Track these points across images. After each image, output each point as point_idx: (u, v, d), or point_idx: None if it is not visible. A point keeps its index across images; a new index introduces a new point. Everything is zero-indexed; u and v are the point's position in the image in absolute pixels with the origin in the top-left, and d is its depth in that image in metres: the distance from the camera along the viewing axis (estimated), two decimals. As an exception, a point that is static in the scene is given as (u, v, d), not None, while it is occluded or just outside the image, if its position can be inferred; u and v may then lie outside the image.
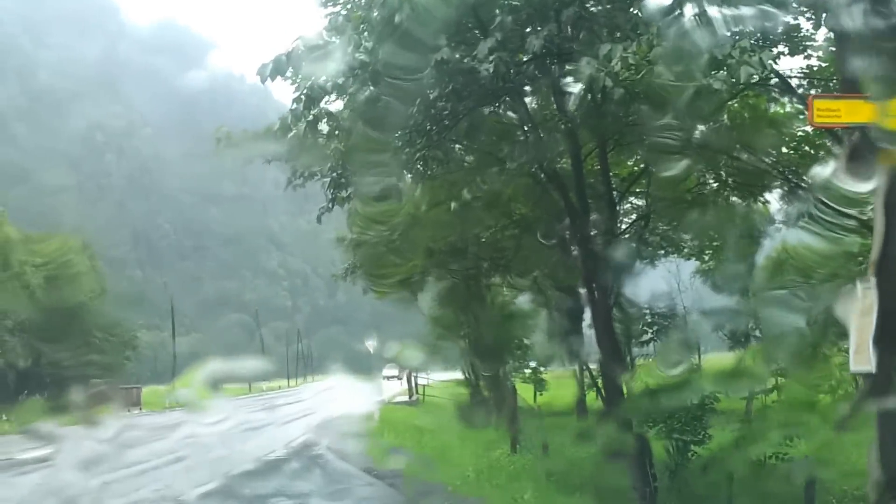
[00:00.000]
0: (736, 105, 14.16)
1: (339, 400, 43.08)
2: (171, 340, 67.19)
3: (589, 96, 11.83)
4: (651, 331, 20.99)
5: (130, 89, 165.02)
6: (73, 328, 47.98)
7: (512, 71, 11.24)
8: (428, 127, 11.56)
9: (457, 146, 14.42)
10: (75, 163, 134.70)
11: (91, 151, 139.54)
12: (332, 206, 13.44)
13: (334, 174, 12.74)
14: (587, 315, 18.09)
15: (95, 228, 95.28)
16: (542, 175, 15.13)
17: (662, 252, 21.28)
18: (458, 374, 37.56)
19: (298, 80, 11.68)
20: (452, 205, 14.29)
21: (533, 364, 27.91)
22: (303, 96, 11.49)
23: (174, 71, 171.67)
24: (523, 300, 23.42)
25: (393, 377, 62.56)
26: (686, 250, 21.56)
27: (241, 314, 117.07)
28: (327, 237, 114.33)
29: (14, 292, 40.33)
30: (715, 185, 17.05)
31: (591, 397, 22.00)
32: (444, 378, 45.00)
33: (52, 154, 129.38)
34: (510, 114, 14.67)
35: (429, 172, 12.85)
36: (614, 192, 16.90)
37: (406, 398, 45.45)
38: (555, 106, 14.38)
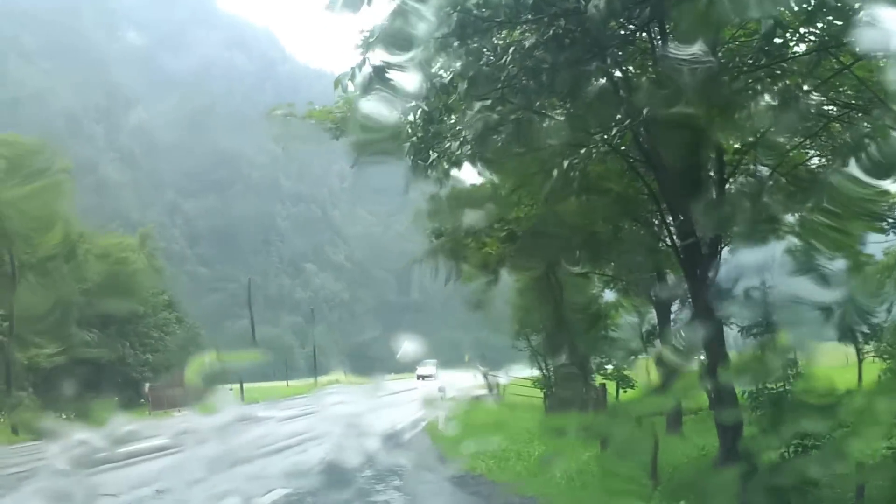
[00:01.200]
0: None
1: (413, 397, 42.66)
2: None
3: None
4: (761, 323, 18.83)
5: (195, 82, 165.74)
6: (134, 325, 47.41)
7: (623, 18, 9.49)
8: (524, 81, 9.74)
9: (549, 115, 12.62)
10: (137, 158, 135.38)
11: (153, 146, 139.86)
12: (414, 175, 11.63)
13: (414, 138, 10.92)
14: (683, 306, 16.37)
15: (157, 225, 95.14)
16: (640, 149, 13.31)
17: (778, 237, 19.12)
18: (531, 371, 35.89)
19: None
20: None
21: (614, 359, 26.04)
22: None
23: (242, 65, 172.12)
24: (609, 290, 21.65)
25: (428, 377, 61.41)
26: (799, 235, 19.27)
27: (304, 310, 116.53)
28: (395, 230, 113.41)
29: (75, 287, 39.51)
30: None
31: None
32: (518, 375, 43.60)
33: (115, 149, 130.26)
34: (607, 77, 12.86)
35: (520, 141, 11.03)
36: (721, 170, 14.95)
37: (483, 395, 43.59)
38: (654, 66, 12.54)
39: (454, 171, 12.37)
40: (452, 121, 10.31)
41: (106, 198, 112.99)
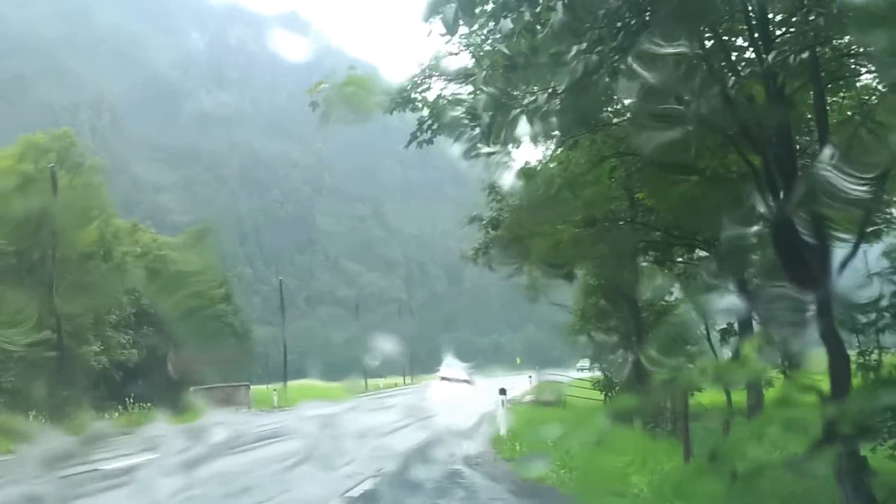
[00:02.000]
0: None
1: (470, 399, 40.49)
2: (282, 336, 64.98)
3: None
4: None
5: (241, 78, 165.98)
6: (183, 325, 46.29)
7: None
8: (627, 18, 7.95)
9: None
10: (186, 155, 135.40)
11: (202, 143, 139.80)
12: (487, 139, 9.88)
13: (493, 88, 9.17)
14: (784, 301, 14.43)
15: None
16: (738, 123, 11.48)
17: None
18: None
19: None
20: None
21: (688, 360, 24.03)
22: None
23: (288, 60, 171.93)
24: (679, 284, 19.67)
25: (457, 380, 52.86)
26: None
27: (349, 308, 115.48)
28: (444, 227, 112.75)
29: (115, 285, 38.37)
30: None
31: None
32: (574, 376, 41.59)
33: (162, 144, 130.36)
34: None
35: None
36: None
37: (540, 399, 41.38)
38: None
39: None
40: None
41: (156, 196, 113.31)
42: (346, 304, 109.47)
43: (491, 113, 8.56)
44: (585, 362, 71.14)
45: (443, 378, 53.80)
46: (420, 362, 77.33)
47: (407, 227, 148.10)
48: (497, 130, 8.61)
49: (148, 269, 43.99)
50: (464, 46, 12.56)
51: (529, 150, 20.41)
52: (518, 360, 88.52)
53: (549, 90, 8.14)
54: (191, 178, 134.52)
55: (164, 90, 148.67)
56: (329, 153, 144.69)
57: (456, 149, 12.31)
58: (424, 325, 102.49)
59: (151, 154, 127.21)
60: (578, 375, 41.38)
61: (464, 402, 38.79)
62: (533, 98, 8.28)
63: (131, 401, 36.12)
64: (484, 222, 19.63)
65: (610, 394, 26.17)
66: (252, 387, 48.10)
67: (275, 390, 47.55)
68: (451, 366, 57.04)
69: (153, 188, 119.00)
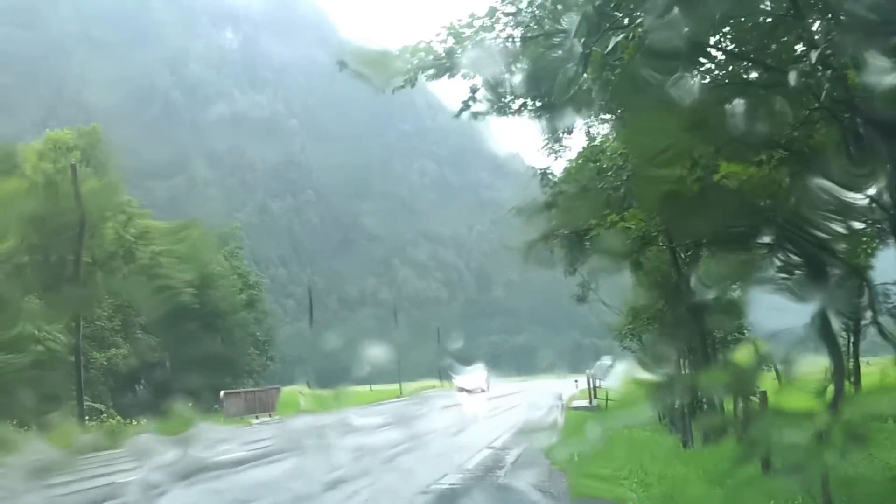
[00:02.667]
0: None
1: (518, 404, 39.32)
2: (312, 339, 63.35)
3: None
4: None
5: (275, 79, 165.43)
6: (211, 327, 44.92)
7: None
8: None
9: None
10: (219, 157, 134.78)
11: (235, 144, 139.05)
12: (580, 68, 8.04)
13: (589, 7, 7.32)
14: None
15: (246, 226, 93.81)
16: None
17: None
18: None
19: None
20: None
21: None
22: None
23: (317, 62, 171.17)
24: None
25: (474, 390, 49.26)
26: None
27: (384, 309, 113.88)
28: (479, 228, 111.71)
29: (142, 286, 36.84)
30: None
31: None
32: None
33: (196, 147, 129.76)
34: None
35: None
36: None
37: (585, 402, 39.26)
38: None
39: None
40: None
41: (195, 197, 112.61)
42: (384, 306, 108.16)
43: (584, 39, 6.83)
44: (607, 359, 68.22)
45: (460, 389, 49.19)
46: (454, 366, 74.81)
47: (442, 229, 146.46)
48: (596, 65, 6.89)
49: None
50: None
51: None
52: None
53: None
54: (224, 178, 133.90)
55: (196, 91, 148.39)
56: (363, 153, 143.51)
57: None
58: (458, 328, 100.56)
59: (186, 155, 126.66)
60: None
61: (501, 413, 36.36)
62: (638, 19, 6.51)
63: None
64: (534, 212, 17.77)
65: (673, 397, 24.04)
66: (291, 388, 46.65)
67: (301, 393, 45.65)
68: (471, 374, 51.81)
69: (187, 189, 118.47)
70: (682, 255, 16.51)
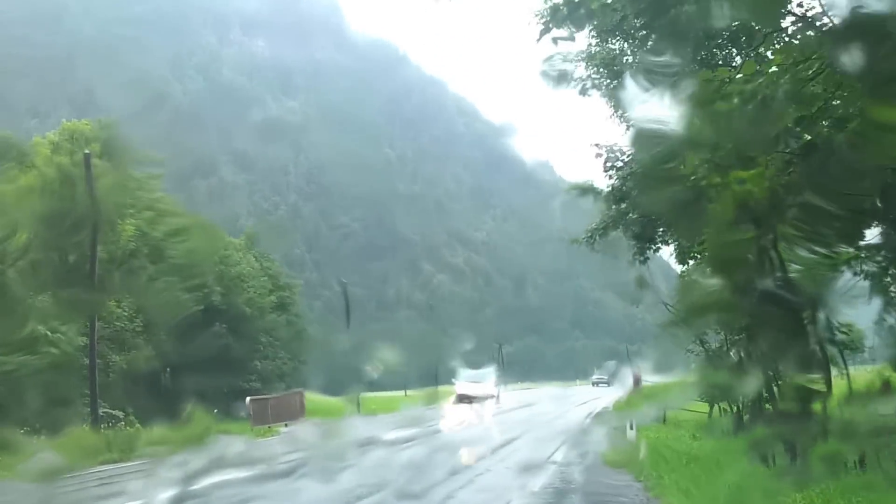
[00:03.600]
0: None
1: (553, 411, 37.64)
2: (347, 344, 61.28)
3: None
4: None
5: (307, 86, 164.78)
6: (239, 330, 43.29)
7: None
8: None
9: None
10: (252, 160, 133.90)
11: (268, 149, 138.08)
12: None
13: None
14: None
15: (270, 228, 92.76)
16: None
17: None
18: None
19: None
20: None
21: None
22: None
23: (348, 67, 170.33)
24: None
25: (479, 398, 41.66)
26: None
27: (417, 313, 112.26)
28: (509, 234, 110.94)
29: (170, 285, 35.02)
30: None
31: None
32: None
33: (229, 150, 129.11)
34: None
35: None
36: None
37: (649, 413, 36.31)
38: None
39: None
40: None
41: (225, 199, 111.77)
42: (417, 309, 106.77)
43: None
44: (604, 373, 64.97)
45: (461, 397, 41.77)
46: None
47: (475, 234, 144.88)
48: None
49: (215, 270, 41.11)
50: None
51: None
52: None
53: None
54: (257, 183, 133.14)
55: (229, 97, 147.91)
56: (397, 159, 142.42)
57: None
58: (492, 333, 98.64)
59: (220, 159, 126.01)
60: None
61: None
62: None
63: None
64: (602, 194, 15.73)
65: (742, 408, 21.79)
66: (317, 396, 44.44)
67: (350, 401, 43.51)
68: (472, 377, 44.24)
69: (223, 194, 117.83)
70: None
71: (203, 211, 70.85)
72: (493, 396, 43.51)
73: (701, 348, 21.21)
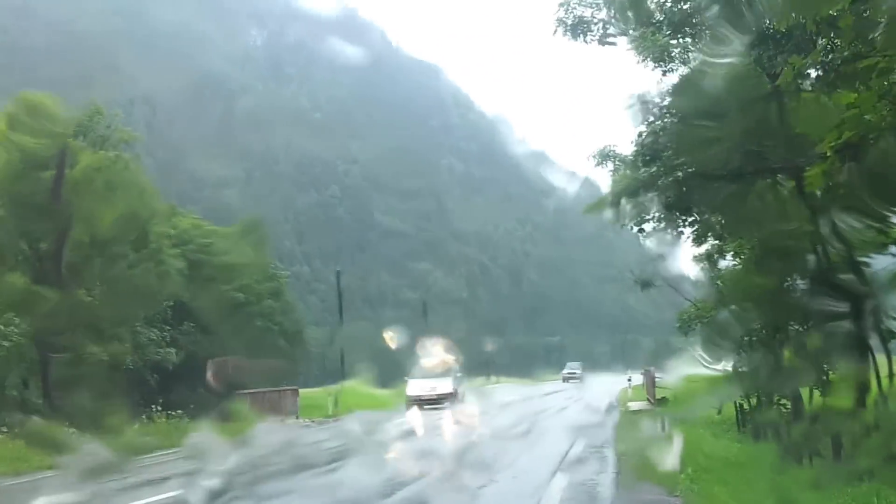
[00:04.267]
0: None
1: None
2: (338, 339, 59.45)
3: None
4: None
5: (299, 75, 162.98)
6: (228, 324, 41.30)
7: None
8: None
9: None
10: (244, 151, 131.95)
11: (259, 139, 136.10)
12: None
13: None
14: None
15: (272, 221, 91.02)
16: None
17: None
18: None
19: None
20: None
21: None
22: None
23: (343, 56, 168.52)
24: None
25: (432, 399, 35.90)
26: None
27: (411, 308, 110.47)
28: (506, 225, 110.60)
29: (147, 276, 33.08)
30: None
31: None
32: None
33: (218, 140, 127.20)
34: None
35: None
36: None
37: (643, 406, 34.37)
38: None
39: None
40: None
41: (216, 192, 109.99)
42: (409, 305, 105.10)
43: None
44: (576, 367, 62.64)
45: (414, 399, 35.86)
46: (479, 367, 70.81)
47: (469, 226, 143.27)
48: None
49: (189, 260, 39.10)
50: None
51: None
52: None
53: None
54: (249, 174, 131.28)
55: (221, 86, 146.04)
56: (388, 150, 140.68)
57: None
58: (485, 327, 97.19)
59: (209, 150, 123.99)
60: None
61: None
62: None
63: (159, 408, 31.01)
64: (630, 157, 13.85)
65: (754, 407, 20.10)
66: (302, 390, 42.45)
67: (330, 395, 41.55)
68: (425, 374, 38.49)
69: (212, 184, 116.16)
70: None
71: (200, 205, 69.31)
72: (449, 397, 36.63)
73: (744, 342, 19.08)
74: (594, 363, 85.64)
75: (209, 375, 34.65)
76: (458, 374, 40.24)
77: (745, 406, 20.30)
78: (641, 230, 15.22)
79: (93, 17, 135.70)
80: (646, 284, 20.82)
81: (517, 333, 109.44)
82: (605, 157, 15.51)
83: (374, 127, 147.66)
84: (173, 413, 31.49)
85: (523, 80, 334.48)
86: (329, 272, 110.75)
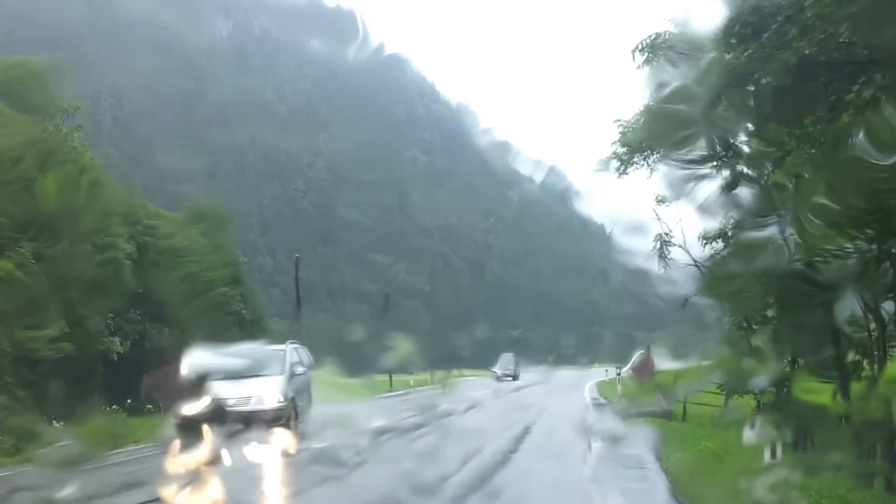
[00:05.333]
0: None
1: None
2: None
3: None
4: None
5: (264, 66, 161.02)
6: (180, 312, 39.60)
7: None
8: None
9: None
10: (210, 144, 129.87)
11: (225, 132, 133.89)
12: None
13: None
14: None
15: (237, 213, 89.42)
16: None
17: None
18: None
19: None
20: None
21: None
22: None
23: (309, 45, 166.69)
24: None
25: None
26: None
27: (373, 302, 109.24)
28: (469, 218, 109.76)
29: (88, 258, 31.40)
30: None
31: None
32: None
33: (183, 133, 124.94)
34: None
35: None
36: None
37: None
38: None
39: None
40: None
41: (181, 185, 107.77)
42: (370, 299, 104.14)
43: None
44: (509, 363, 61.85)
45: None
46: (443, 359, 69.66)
47: (432, 218, 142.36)
48: None
49: (137, 242, 37.52)
50: None
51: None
52: (551, 358, 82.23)
53: None
54: (214, 166, 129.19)
55: (187, 78, 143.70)
56: (353, 142, 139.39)
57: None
58: (448, 320, 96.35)
59: (175, 142, 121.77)
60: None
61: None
62: None
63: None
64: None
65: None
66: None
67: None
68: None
69: (177, 177, 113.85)
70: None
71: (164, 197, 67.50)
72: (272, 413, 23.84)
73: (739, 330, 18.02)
74: (559, 356, 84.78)
75: (143, 392, 32.43)
76: (301, 369, 27.44)
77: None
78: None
79: (58, 7, 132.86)
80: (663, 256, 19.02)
81: (480, 326, 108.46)
82: (654, 49, 13.30)
83: (339, 119, 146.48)
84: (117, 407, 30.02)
85: (489, 67, 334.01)
86: (292, 265, 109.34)
